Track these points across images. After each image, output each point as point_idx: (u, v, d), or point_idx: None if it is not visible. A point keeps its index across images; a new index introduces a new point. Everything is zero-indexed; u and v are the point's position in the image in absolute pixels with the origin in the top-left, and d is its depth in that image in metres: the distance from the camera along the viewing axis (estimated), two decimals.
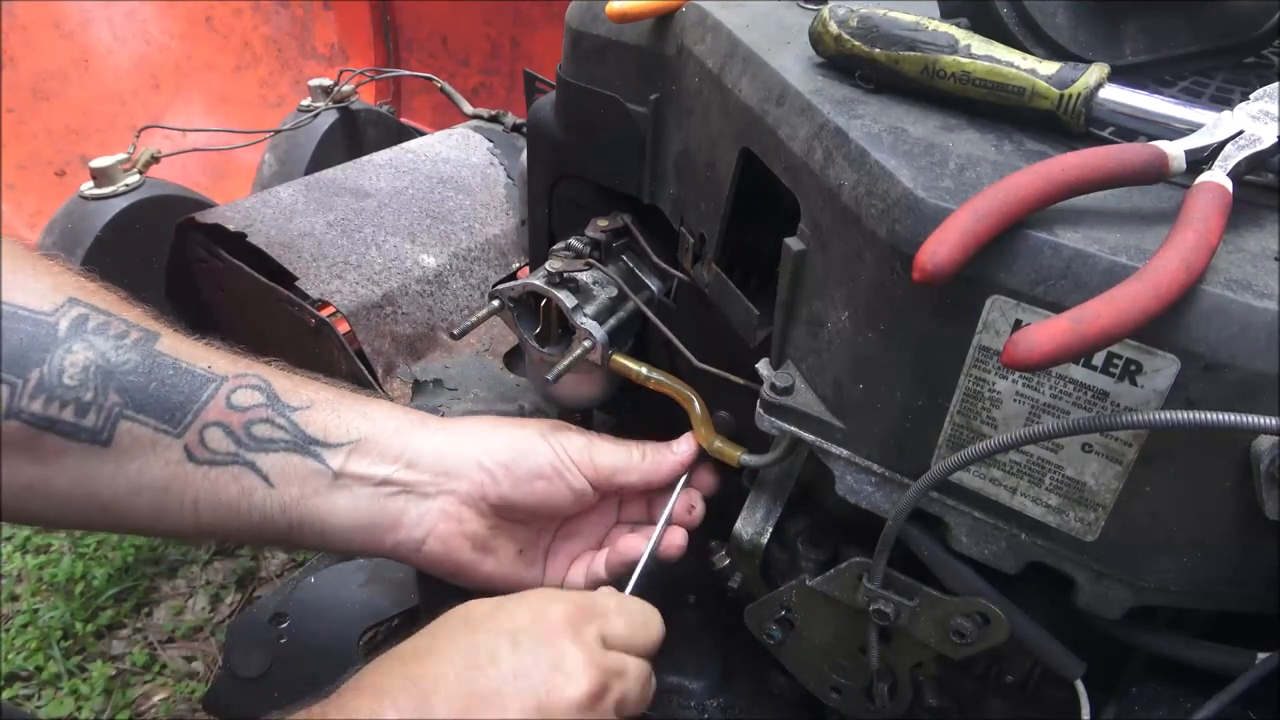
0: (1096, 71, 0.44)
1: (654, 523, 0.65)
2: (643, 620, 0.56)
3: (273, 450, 0.57)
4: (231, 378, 0.57)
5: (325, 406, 0.60)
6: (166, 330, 0.57)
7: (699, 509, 0.66)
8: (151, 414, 0.54)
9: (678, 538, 0.65)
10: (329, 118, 1.60)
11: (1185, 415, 0.35)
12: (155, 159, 1.31)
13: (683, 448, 0.66)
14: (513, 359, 1.13)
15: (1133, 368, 0.38)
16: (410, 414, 0.63)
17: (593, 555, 0.67)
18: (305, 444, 0.58)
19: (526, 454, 0.62)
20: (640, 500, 0.69)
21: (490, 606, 0.52)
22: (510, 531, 0.64)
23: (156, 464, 0.54)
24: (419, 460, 0.60)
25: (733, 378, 0.63)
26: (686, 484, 0.66)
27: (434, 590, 0.68)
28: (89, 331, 0.53)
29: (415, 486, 0.60)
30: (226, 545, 1.54)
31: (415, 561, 0.62)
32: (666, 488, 0.66)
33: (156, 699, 1.31)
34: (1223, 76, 0.53)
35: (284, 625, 0.85)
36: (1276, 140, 0.40)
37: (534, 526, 0.66)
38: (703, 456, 0.66)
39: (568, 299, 0.68)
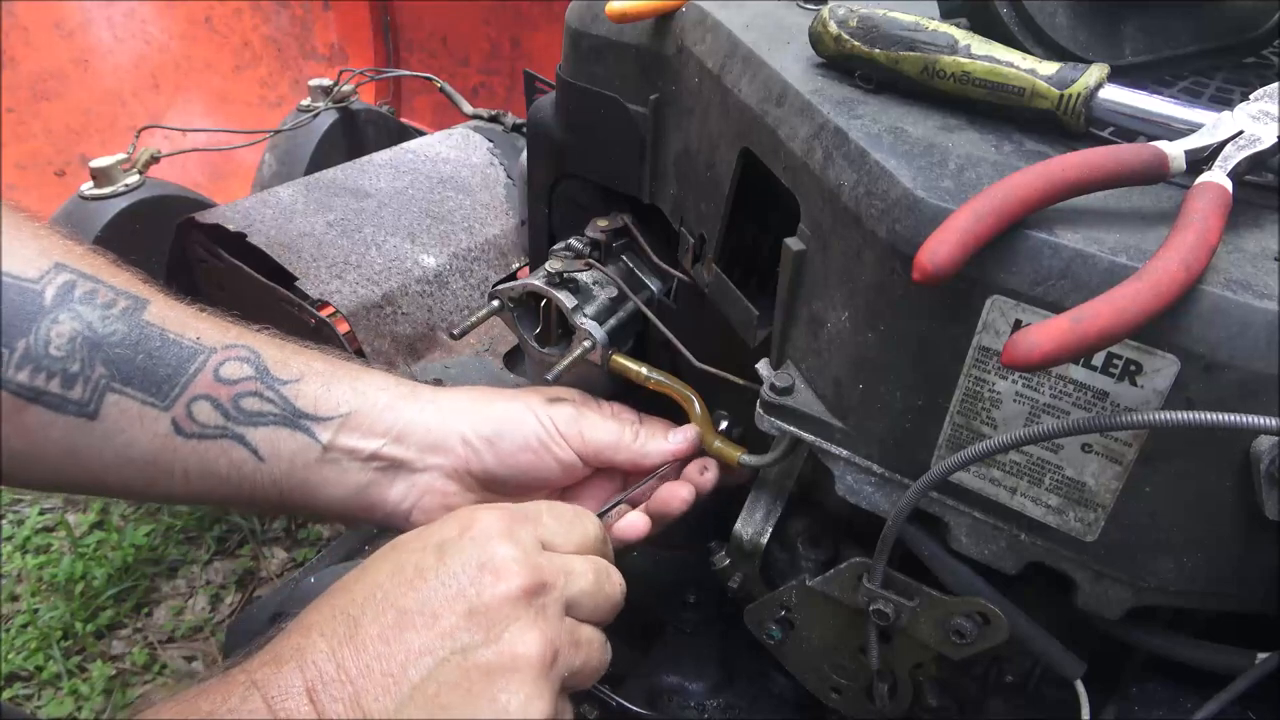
0: (1096, 71, 0.44)
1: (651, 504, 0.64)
2: (573, 517, 0.54)
3: (262, 424, 0.57)
4: (220, 349, 0.56)
5: (315, 379, 0.59)
6: (156, 295, 0.56)
7: (711, 473, 0.64)
8: (138, 386, 0.53)
9: (638, 524, 0.63)
10: (329, 118, 1.60)
11: (1185, 415, 0.35)
12: (155, 159, 1.30)
13: (678, 438, 0.65)
14: (513, 359, 1.13)
15: (1133, 368, 0.38)
16: (401, 385, 0.62)
17: None
18: (295, 417, 0.57)
19: (512, 427, 0.61)
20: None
21: (420, 529, 0.51)
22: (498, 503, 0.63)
23: (144, 436, 0.54)
24: (407, 435, 0.60)
25: (733, 378, 0.63)
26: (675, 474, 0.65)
27: None
28: (75, 300, 0.52)
29: (403, 461, 0.60)
30: (227, 545, 1.54)
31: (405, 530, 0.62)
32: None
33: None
34: (1223, 76, 0.52)
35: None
36: (1276, 140, 0.40)
37: (524, 499, 0.63)
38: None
39: (568, 299, 0.68)
